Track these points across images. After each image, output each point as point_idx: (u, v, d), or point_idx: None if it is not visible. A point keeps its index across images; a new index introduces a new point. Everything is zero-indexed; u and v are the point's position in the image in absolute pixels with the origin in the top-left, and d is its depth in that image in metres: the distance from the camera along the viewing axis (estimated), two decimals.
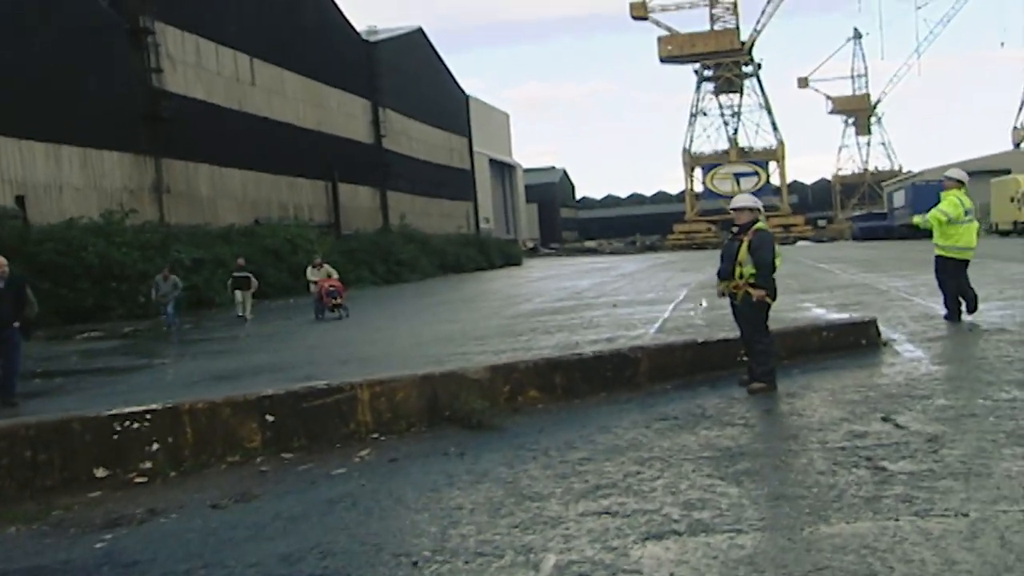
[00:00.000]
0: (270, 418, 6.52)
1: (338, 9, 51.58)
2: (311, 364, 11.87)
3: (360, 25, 55.58)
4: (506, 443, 6.37)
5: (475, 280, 37.92)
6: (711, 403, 7.16)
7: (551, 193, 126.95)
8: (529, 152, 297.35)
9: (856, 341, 9.13)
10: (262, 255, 34.61)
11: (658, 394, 7.66)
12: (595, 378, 7.77)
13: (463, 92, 74.92)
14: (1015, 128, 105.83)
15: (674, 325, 13.05)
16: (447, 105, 69.35)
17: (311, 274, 22.61)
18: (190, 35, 37.34)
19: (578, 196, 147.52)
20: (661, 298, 18.73)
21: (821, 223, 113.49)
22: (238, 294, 23.39)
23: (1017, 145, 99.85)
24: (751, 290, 7.57)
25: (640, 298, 19.66)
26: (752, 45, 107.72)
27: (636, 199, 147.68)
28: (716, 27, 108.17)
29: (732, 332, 8.90)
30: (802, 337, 8.96)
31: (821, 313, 13.33)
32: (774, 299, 7.80)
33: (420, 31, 66.44)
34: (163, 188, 34.87)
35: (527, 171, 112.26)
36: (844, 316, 11.64)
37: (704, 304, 15.70)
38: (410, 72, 61.43)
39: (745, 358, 8.18)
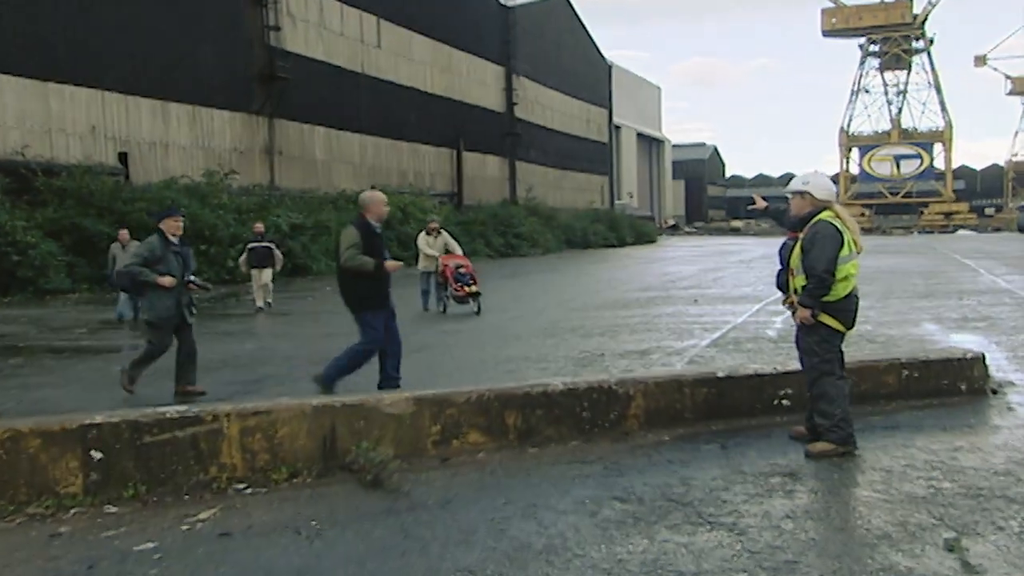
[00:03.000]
0: (97, 455, 4.93)
1: None
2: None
3: None
4: (389, 521, 4.57)
5: (589, 258, 35.95)
6: (706, 478, 5.04)
7: (700, 170, 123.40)
8: (685, 128, 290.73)
9: (952, 385, 6.75)
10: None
11: (646, 449, 5.63)
12: (565, 420, 5.85)
13: (606, 62, 72.45)
14: None
15: (736, 336, 10.84)
16: (587, 75, 67.09)
17: (425, 244, 16.02)
18: None
19: (728, 174, 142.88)
20: (754, 295, 16.35)
21: (988, 211, 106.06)
22: (255, 274, 16.71)
23: None
24: (800, 308, 5.52)
25: (731, 293, 17.30)
26: (925, 19, 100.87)
27: (789, 179, 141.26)
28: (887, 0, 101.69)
29: (785, 362, 6.84)
30: (872, 376, 6.65)
31: (932, 331, 10.84)
32: (848, 326, 5.65)
33: None
34: (275, 150, 34.24)
35: (676, 147, 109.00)
36: (940, 346, 9.15)
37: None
38: (548, 39, 59.50)
39: (784, 402, 6.15)
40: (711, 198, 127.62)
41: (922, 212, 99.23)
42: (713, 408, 6.18)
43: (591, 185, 67.25)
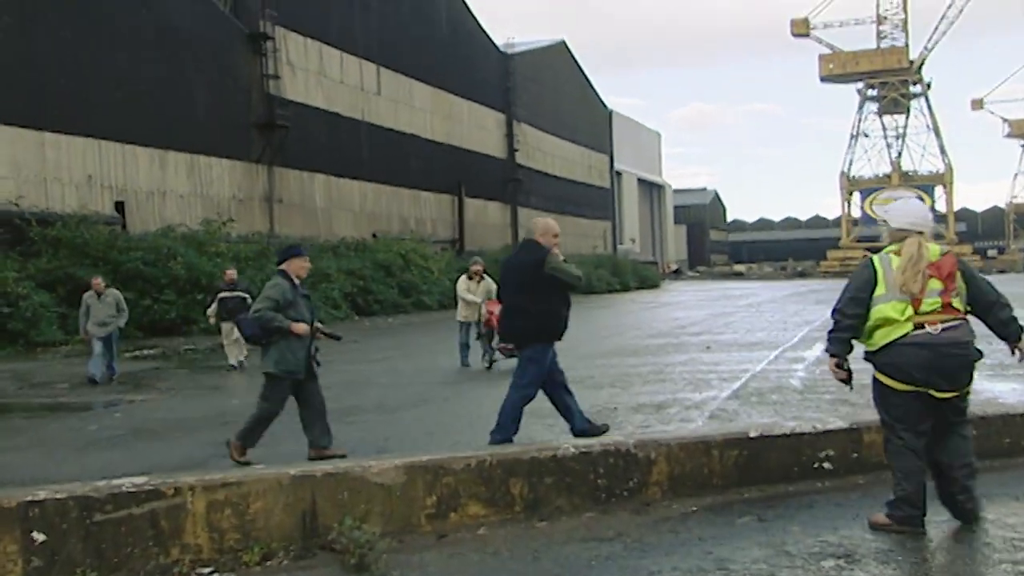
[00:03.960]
0: (40, 537, 4.28)
1: (474, 19, 50.09)
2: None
3: (499, 36, 54.03)
4: None
5: (593, 304, 35.25)
6: (745, 560, 4.29)
7: (701, 215, 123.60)
8: (685, 172, 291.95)
9: (1014, 444, 5.96)
10: (373, 269, 33.28)
11: (672, 523, 4.91)
12: (578, 488, 5.15)
13: (606, 108, 72.54)
14: None
15: (758, 387, 10.15)
16: (588, 121, 67.12)
17: (465, 289, 14.09)
18: (313, 42, 36.34)
19: (730, 218, 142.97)
20: (770, 340, 15.71)
21: (991, 254, 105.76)
22: (226, 328, 14.64)
23: None
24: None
25: (745, 339, 16.63)
26: (922, 64, 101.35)
27: (790, 223, 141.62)
28: (883, 45, 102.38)
29: (822, 418, 6.20)
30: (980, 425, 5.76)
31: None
32: (906, 380, 4.69)
33: (563, 44, 64.51)
34: (274, 198, 33.83)
35: (677, 192, 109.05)
36: (984, 397, 8.47)
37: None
38: (548, 86, 59.52)
39: (826, 464, 5.48)
40: (713, 242, 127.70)
41: None
42: (745, 473, 5.47)
43: (594, 230, 66.90)
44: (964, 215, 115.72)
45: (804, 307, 28.43)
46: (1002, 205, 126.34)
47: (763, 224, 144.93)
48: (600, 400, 9.59)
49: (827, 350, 5.01)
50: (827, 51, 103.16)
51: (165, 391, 12.81)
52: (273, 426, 7.09)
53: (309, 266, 7.67)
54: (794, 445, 5.56)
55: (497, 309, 13.46)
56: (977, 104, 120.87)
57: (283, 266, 7.50)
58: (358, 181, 38.91)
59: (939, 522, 4.75)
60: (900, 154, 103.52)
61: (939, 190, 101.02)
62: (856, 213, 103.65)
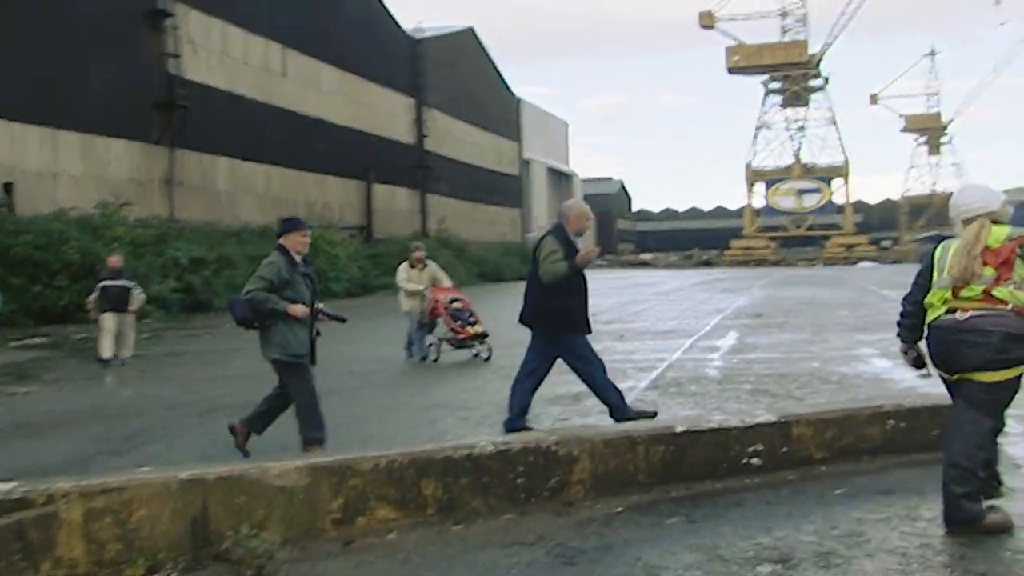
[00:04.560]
0: None
1: (382, 3, 49.22)
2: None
3: (408, 22, 53.23)
4: None
5: (503, 292, 34.99)
6: (677, 567, 4.00)
7: (608, 204, 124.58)
8: (594, 162, 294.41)
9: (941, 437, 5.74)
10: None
11: (597, 524, 4.61)
12: (496, 488, 4.80)
13: (515, 96, 72.34)
14: None
15: (676, 377, 9.98)
16: (497, 109, 66.78)
17: (406, 278, 12.71)
18: (216, 20, 35.09)
19: (637, 208, 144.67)
20: (682, 328, 15.67)
21: (885, 244, 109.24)
22: (107, 319, 13.43)
23: None
24: None
25: (657, 327, 16.57)
26: (821, 58, 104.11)
27: (694, 213, 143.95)
28: (785, 39, 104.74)
29: (749, 410, 6.00)
30: (854, 427, 5.60)
31: (886, 367, 10.14)
32: (935, 364, 4.60)
33: (471, 31, 63.99)
34: (175, 181, 32.59)
35: (585, 181, 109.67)
36: (903, 386, 8.42)
37: None
38: (458, 72, 58.98)
39: (754, 460, 5.26)
40: (620, 231, 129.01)
41: (823, 244, 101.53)
42: (671, 470, 5.18)
43: (503, 218, 66.71)
44: (859, 206, 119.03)
45: (712, 295, 28.70)
46: (895, 198, 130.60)
47: (669, 214, 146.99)
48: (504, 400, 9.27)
49: (898, 335, 4.89)
50: (733, 43, 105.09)
51: (51, 382, 12.04)
52: (170, 419, 6.58)
53: (308, 241, 7.04)
54: (721, 440, 5.30)
55: (444, 296, 12.64)
56: (874, 99, 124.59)
57: (281, 240, 6.91)
58: (263, 165, 37.84)
59: (874, 521, 4.56)
60: (801, 146, 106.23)
61: (837, 181, 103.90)
62: (760, 203, 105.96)
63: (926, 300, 4.64)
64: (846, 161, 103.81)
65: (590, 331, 7.04)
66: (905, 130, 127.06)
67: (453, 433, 7.03)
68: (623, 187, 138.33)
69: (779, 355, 11.54)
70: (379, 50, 48.10)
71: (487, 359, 12.31)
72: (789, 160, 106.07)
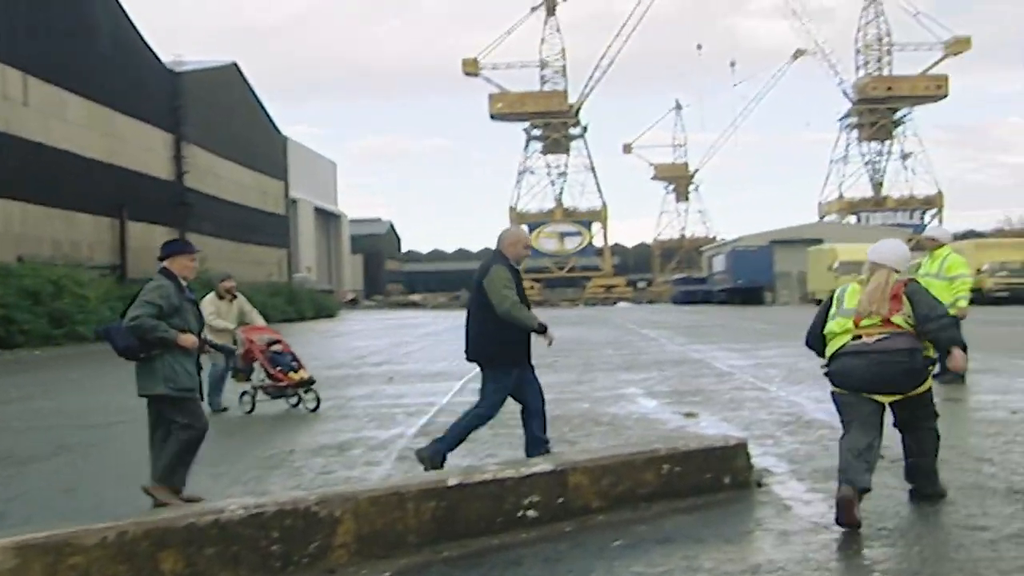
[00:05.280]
0: None
1: (139, 34, 46.94)
2: None
3: (167, 55, 50.99)
4: None
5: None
6: None
7: (377, 245, 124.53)
8: (363, 203, 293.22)
9: (715, 480, 5.80)
10: (17, 296, 29.87)
11: None
12: (247, 557, 4.37)
13: (281, 135, 70.92)
14: (820, 203, 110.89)
15: (447, 422, 9.61)
16: (262, 146, 65.16)
17: (214, 312, 11.04)
18: None
19: (405, 249, 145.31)
20: (453, 370, 15.64)
21: (641, 285, 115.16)
22: None
23: (822, 217, 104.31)
24: None
25: (426, 369, 16.49)
26: (579, 108, 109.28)
27: (462, 254, 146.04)
28: (546, 88, 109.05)
29: (523, 457, 5.95)
30: (629, 473, 5.54)
31: (653, 407, 10.44)
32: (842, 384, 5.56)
33: (234, 66, 62.27)
34: None
35: (353, 222, 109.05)
36: (671, 426, 8.71)
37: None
38: (221, 108, 57.16)
39: (530, 513, 5.16)
40: (389, 272, 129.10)
41: (585, 285, 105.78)
42: (444, 527, 4.94)
43: (269, 258, 64.90)
44: (617, 250, 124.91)
45: None
46: (648, 241, 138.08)
47: (436, 255, 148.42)
48: (275, 442, 8.84)
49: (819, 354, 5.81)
50: (496, 91, 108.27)
51: None
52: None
53: (197, 266, 6.51)
54: (496, 493, 5.11)
55: (258, 336, 11.16)
56: (627, 148, 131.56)
57: (167, 263, 6.36)
58: (1, 199, 34.93)
59: (657, 574, 4.58)
60: (562, 191, 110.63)
61: (596, 225, 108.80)
62: None
63: (827, 329, 5.66)
64: (604, 206, 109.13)
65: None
66: (655, 178, 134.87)
67: (206, 495, 6.52)
68: (392, 228, 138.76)
69: (550, 396, 11.53)
70: (133, 82, 45.76)
71: (314, 409, 11.03)
72: (551, 204, 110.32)
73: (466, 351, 7.00)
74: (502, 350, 6.71)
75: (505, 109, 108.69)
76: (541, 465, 5.32)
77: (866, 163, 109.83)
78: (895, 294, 5.52)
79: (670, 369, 15.02)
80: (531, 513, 5.15)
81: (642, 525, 5.15)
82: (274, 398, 11.18)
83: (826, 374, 5.69)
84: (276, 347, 11.23)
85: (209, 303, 11.09)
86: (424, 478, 5.31)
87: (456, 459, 7.16)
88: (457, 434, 6.80)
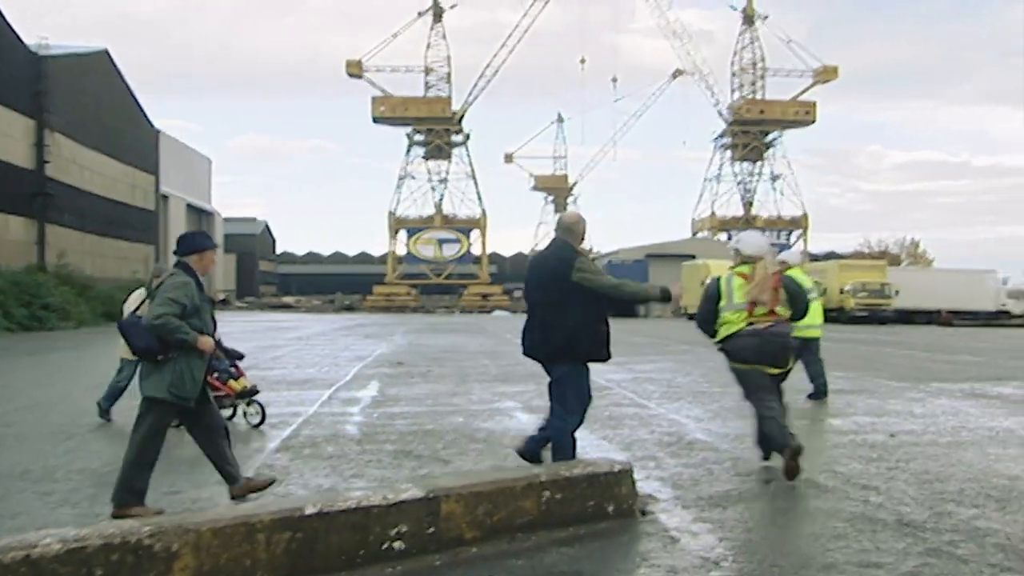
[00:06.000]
0: None
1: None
2: None
3: (32, 38, 48.34)
4: None
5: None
6: None
7: (251, 245, 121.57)
8: (239, 203, 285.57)
9: (598, 507, 5.43)
10: None
11: None
12: None
13: (153, 128, 68.25)
14: (693, 220, 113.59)
15: (312, 435, 9.25)
16: (133, 138, 62.53)
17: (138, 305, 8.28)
18: None
19: (280, 250, 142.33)
20: (322, 377, 15.00)
21: (517, 294, 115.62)
22: None
23: (695, 234, 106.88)
24: None
25: (295, 375, 15.77)
26: (463, 116, 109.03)
27: (338, 257, 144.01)
28: (429, 94, 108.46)
29: (392, 481, 5.51)
30: (507, 501, 5.08)
31: (529, 423, 10.05)
32: (744, 360, 7.03)
33: (105, 53, 59.57)
34: None
35: (228, 220, 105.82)
36: (581, 455, 8.31)
37: None
38: (89, 96, 54.54)
39: (396, 544, 4.71)
40: (263, 273, 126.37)
41: (462, 293, 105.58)
42: (299, 561, 4.40)
43: (135, 254, 62.23)
44: (495, 258, 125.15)
45: (354, 341, 28.30)
46: (525, 251, 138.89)
47: (312, 257, 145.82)
48: (120, 454, 8.05)
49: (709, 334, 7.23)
50: (380, 94, 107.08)
51: None
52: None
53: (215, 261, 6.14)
54: (361, 522, 4.62)
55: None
56: (508, 158, 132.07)
57: (188, 259, 5.97)
58: None
59: None
60: (443, 197, 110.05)
61: (475, 233, 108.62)
62: (401, 251, 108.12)
63: (723, 318, 6.96)
64: (484, 214, 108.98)
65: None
66: (535, 188, 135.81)
67: (25, 516, 5.84)
68: (267, 228, 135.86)
69: (424, 408, 11.27)
70: None
71: (258, 424, 9.75)
72: (431, 211, 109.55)
73: (539, 351, 6.38)
74: (598, 346, 6.17)
75: (388, 113, 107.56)
76: (411, 491, 4.87)
77: (738, 183, 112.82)
78: (775, 286, 6.87)
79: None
80: (398, 545, 4.68)
81: (519, 559, 4.77)
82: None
83: (722, 350, 7.04)
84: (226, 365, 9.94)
85: (135, 300, 9.73)
86: (278, 505, 4.69)
87: (318, 478, 6.68)
88: (561, 453, 6.21)
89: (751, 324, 6.79)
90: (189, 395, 5.82)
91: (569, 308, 6.01)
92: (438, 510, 4.84)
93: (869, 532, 5.27)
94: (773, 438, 6.70)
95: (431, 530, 4.81)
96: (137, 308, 9.43)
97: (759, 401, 6.83)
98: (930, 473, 7.00)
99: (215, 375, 9.48)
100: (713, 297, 7.00)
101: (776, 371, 6.88)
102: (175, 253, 6.14)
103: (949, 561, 4.65)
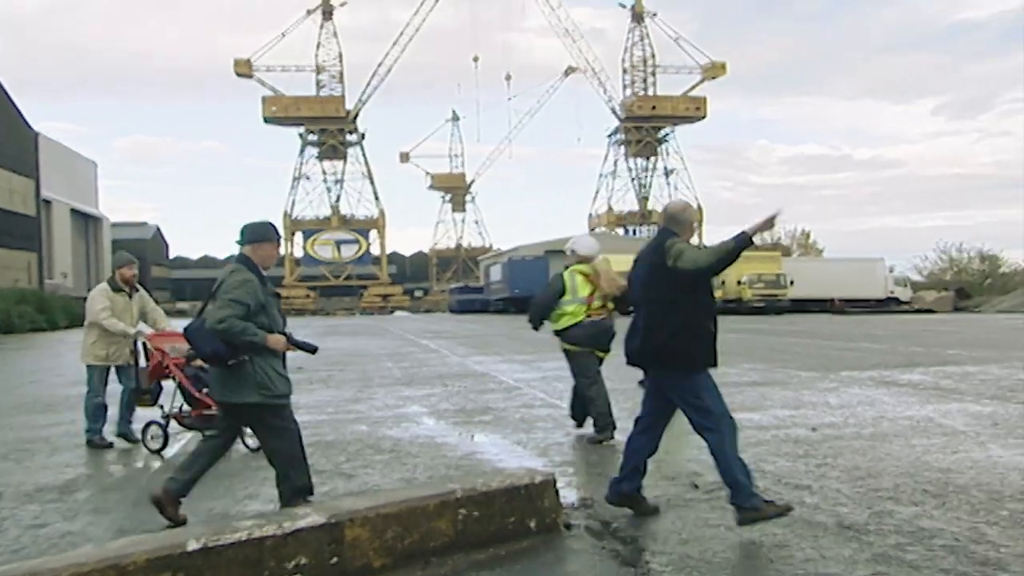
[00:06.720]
0: None
1: None
2: None
3: None
4: None
5: (11, 345, 30.74)
6: None
7: (142, 249, 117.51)
8: (128, 207, 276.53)
9: (519, 524, 4.93)
10: None
11: None
12: None
13: (32, 130, 65.24)
14: (591, 215, 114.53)
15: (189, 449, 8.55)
16: (9, 141, 59.68)
17: (106, 308, 8.75)
18: None
19: (173, 255, 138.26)
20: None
21: (418, 294, 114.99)
22: None
23: (593, 229, 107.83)
24: None
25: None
26: (357, 115, 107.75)
27: (228, 260, 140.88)
28: (322, 93, 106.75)
29: (304, 510, 5.03)
30: (418, 521, 4.57)
31: (440, 430, 9.52)
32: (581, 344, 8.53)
33: None
34: None
35: (116, 225, 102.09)
36: (475, 456, 7.81)
37: None
38: None
39: None
40: (155, 279, 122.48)
41: (362, 294, 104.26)
42: None
43: (16, 262, 59.43)
44: (394, 258, 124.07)
45: None
46: (426, 250, 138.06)
47: (207, 262, 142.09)
48: None
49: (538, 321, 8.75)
50: (270, 93, 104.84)
51: None
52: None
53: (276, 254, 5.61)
54: (253, 556, 4.05)
55: (171, 346, 8.42)
56: (404, 157, 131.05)
57: (248, 251, 5.45)
58: None
59: None
60: (339, 198, 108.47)
61: (373, 233, 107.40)
62: (299, 253, 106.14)
63: (565, 310, 8.27)
64: (382, 214, 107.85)
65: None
66: (433, 187, 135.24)
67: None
68: (159, 232, 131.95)
69: (325, 417, 10.66)
70: None
71: (257, 449, 7.67)
72: (327, 211, 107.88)
73: (649, 356, 5.32)
74: (706, 349, 5.22)
75: (279, 113, 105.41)
76: (311, 517, 4.32)
77: (633, 178, 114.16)
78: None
79: (454, 383, 14.26)
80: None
81: None
82: (191, 428, 8.51)
83: (559, 335, 8.38)
84: (198, 361, 7.69)
85: (100, 297, 8.77)
86: (156, 543, 4.10)
87: (205, 501, 6.09)
88: (732, 476, 5.08)
89: (589, 316, 8.24)
90: (284, 391, 5.42)
91: (677, 306, 5.15)
92: (342, 537, 4.28)
93: (811, 538, 4.90)
94: (604, 414, 8.19)
95: (334, 560, 4.24)
96: (140, 313, 8.88)
97: (590, 379, 8.28)
98: (861, 469, 6.74)
99: (205, 391, 8.07)
100: (558, 291, 8.29)
101: (603, 354, 8.43)
102: (236, 243, 5.60)
103: (900, 568, 4.34)
